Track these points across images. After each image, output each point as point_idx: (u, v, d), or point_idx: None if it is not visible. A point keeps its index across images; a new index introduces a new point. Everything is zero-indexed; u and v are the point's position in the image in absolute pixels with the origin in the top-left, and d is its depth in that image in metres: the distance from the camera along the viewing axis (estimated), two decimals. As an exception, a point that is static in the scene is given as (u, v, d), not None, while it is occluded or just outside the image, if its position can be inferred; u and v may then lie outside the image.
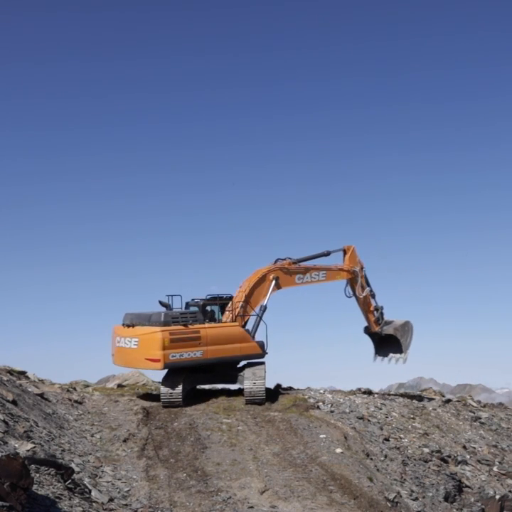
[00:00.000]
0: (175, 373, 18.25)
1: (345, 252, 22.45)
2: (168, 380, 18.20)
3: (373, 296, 23.23)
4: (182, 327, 18.11)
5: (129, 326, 18.33)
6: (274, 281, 20.15)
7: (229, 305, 19.81)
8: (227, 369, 19.35)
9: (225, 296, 20.11)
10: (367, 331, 23.91)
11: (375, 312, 23.34)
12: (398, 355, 23.94)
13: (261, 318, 19.88)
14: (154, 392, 20.05)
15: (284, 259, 20.87)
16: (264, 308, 19.98)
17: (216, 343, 18.56)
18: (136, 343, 17.95)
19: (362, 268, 22.66)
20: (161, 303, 19.23)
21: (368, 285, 22.97)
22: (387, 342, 23.94)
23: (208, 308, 19.54)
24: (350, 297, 22.64)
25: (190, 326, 18.25)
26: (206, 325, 18.75)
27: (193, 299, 19.83)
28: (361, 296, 22.69)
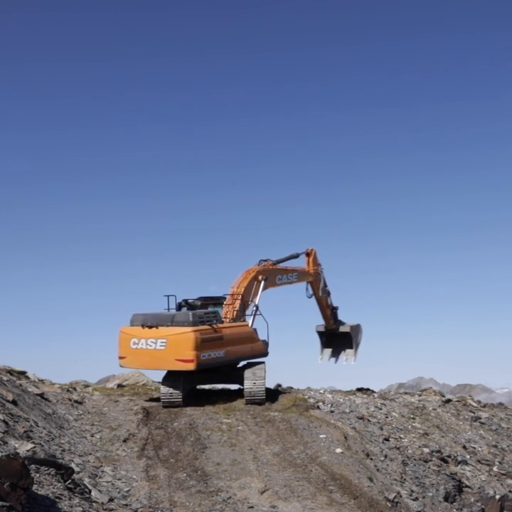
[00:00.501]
0: (175, 373, 18.24)
1: (307, 254, 23.49)
2: (168, 380, 18.20)
3: (329, 295, 24.46)
4: (208, 327, 18.15)
5: (150, 326, 18.02)
6: (263, 282, 20.54)
7: (227, 304, 19.84)
8: (227, 369, 19.38)
9: (216, 297, 20.18)
10: (321, 329, 25.34)
11: (331, 311, 24.82)
12: (347, 354, 25.51)
13: (255, 317, 20.20)
14: (155, 394, 20.00)
15: (266, 260, 21.40)
16: (257, 308, 20.35)
17: (234, 343, 18.82)
18: (163, 344, 17.65)
19: (321, 270, 23.95)
20: (186, 303, 19.24)
21: (326, 285, 24.20)
22: (336, 342, 25.49)
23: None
24: (311, 297, 23.76)
25: (214, 326, 18.29)
26: (226, 325, 18.88)
27: (184, 299, 19.85)
28: (324, 296, 24.04)
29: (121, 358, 18.56)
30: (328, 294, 24.43)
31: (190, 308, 19.18)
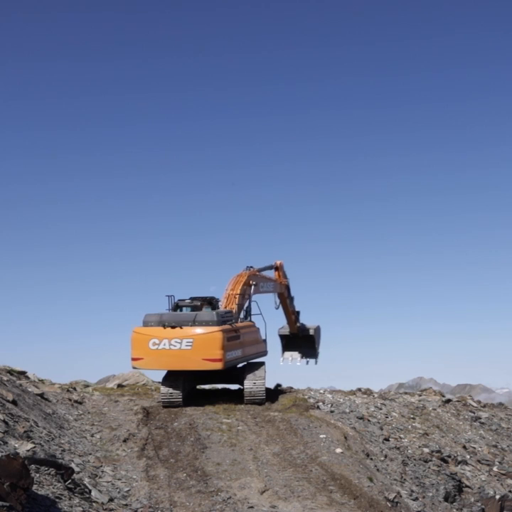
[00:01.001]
0: (175, 373, 18.21)
1: (276, 268, 24.20)
2: (168, 380, 18.17)
3: (292, 301, 25.47)
4: (230, 326, 18.17)
5: (173, 326, 17.78)
6: (253, 287, 20.66)
7: (223, 305, 19.78)
8: (228, 369, 19.37)
9: (207, 297, 20.16)
10: (285, 332, 26.30)
11: (295, 316, 25.85)
12: (311, 355, 26.77)
13: (245, 319, 20.44)
14: (155, 395, 19.96)
15: (251, 267, 21.49)
16: (250, 310, 20.69)
17: (248, 343, 19.05)
18: (189, 343, 17.45)
19: (288, 282, 24.94)
20: (210, 302, 19.27)
21: (290, 294, 25.19)
22: (298, 345, 26.58)
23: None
24: (278, 308, 24.37)
25: (233, 326, 18.32)
26: (240, 324, 19.00)
27: (180, 299, 19.78)
28: (291, 304, 25.09)
29: (136, 359, 18.00)
30: (292, 300, 25.27)
31: (214, 308, 19.19)
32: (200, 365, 17.65)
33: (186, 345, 17.51)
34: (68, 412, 16.64)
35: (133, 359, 18.09)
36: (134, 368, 18.50)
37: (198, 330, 17.56)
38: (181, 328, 17.70)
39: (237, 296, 19.72)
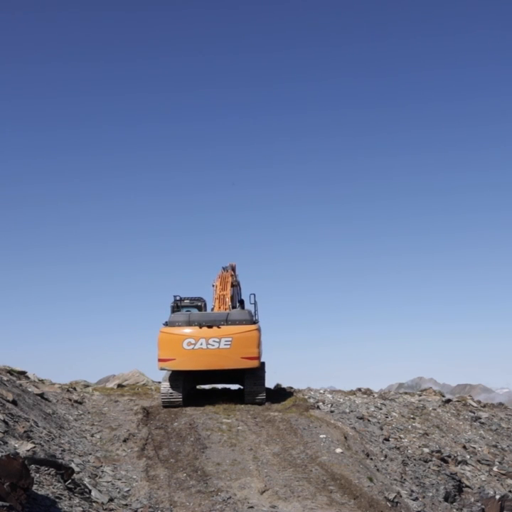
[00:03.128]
0: (175, 373, 18.19)
1: (233, 269, 23.51)
2: (169, 380, 18.15)
3: None
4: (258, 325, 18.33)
5: (210, 326, 17.68)
6: (234, 287, 20.55)
7: (216, 306, 19.72)
8: (228, 369, 19.36)
9: (195, 298, 20.12)
10: None
11: None
12: None
13: None
14: (155, 395, 19.97)
15: (226, 268, 21.11)
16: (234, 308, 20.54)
17: (260, 341, 19.04)
18: (227, 342, 17.45)
19: None
20: (241, 302, 19.20)
21: None
22: None
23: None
24: None
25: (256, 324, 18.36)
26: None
27: (177, 300, 19.70)
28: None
29: (166, 360, 17.70)
30: (242, 303, 24.69)
31: (242, 307, 19.19)
32: (238, 364, 17.66)
33: (225, 344, 17.49)
34: (68, 412, 16.64)
35: (162, 360, 17.74)
36: (163, 369, 18.03)
37: (237, 328, 17.56)
38: (219, 327, 17.63)
39: (229, 296, 19.60)
